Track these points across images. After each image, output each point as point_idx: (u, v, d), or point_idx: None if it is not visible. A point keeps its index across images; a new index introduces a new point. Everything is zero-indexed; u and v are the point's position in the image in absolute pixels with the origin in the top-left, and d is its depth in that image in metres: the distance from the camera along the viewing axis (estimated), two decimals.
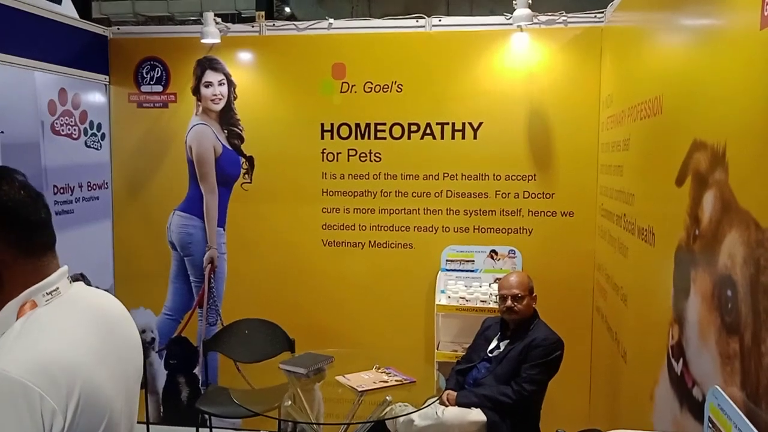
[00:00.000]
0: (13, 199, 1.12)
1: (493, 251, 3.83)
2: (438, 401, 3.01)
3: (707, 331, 1.67)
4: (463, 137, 3.82)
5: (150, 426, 3.95)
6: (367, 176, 3.93)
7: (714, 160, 1.67)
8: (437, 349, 3.73)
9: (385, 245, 3.97)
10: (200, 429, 3.56)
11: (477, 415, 2.95)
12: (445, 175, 3.85)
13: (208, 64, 4.01)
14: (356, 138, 3.92)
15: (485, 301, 3.64)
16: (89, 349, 1.13)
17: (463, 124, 3.81)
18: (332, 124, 3.93)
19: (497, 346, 3.18)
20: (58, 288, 1.15)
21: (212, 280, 4.12)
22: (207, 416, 3.83)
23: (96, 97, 4.04)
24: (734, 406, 1.37)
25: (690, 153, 1.87)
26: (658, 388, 2.14)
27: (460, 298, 3.68)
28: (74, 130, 3.82)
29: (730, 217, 1.54)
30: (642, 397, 2.34)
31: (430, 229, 3.91)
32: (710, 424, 1.48)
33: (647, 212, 2.43)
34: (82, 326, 1.16)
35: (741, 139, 1.52)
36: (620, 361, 2.83)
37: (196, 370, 4.21)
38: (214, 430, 3.93)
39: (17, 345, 1.04)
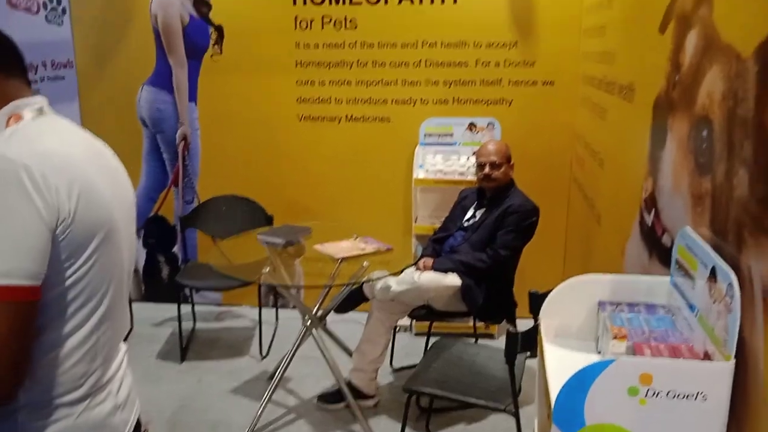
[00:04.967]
0: None
1: (472, 123, 3.76)
2: (414, 268, 3.05)
3: (680, 176, 1.65)
4: (443, 1, 3.63)
5: (132, 303, 3.99)
6: (342, 45, 3.76)
7: None
8: (415, 222, 3.75)
9: (362, 119, 3.87)
10: (182, 305, 3.60)
11: (452, 279, 2.99)
12: (424, 43, 3.70)
13: None
14: (330, 3, 3.70)
15: (463, 174, 3.61)
16: (81, 155, 1.14)
17: None
18: None
19: (473, 215, 3.19)
20: (42, 108, 1.17)
21: (186, 157, 4.03)
22: (188, 291, 3.88)
23: None
24: (700, 241, 1.37)
25: None
26: (629, 243, 2.16)
27: (438, 171, 3.65)
28: (32, 3, 3.57)
29: (712, 53, 1.48)
30: (614, 253, 2.38)
31: (408, 101, 3.81)
32: (677, 266, 1.49)
33: (628, 68, 2.36)
34: (72, 137, 1.18)
35: None
36: (595, 224, 2.86)
37: (175, 249, 4.22)
38: (195, 306, 4.00)
39: (10, 142, 1.06)
